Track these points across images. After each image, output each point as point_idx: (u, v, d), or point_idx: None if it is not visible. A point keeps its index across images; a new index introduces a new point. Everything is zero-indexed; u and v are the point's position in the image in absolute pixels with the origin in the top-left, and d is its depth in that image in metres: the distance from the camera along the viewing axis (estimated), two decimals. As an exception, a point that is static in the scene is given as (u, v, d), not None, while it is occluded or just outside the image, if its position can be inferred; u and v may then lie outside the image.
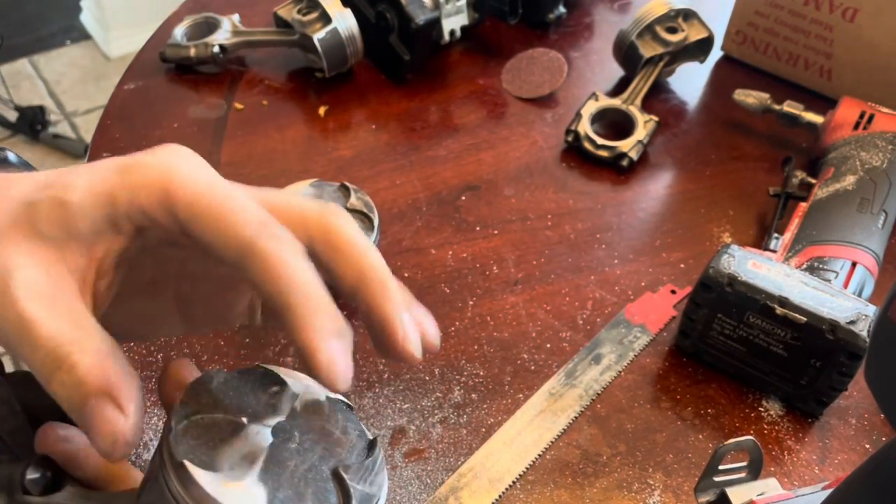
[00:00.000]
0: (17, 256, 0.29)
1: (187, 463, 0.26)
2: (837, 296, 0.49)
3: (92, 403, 0.27)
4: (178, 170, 0.31)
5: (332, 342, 0.27)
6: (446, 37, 0.76)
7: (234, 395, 0.29)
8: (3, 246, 0.29)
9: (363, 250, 0.31)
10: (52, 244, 0.29)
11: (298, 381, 0.31)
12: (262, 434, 0.29)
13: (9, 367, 0.49)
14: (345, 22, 0.72)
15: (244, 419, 0.29)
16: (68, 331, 0.28)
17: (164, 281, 0.35)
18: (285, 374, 0.31)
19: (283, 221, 0.30)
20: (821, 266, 0.54)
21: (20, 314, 0.27)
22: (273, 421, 0.29)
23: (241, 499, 0.27)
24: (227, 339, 0.56)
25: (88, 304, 0.30)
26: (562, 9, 0.83)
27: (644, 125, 0.69)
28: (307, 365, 0.27)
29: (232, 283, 0.35)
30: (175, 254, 0.33)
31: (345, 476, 0.29)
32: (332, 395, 0.31)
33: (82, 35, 2.29)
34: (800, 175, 0.63)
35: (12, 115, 1.97)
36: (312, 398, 0.31)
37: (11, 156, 0.42)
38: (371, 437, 0.31)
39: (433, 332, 0.32)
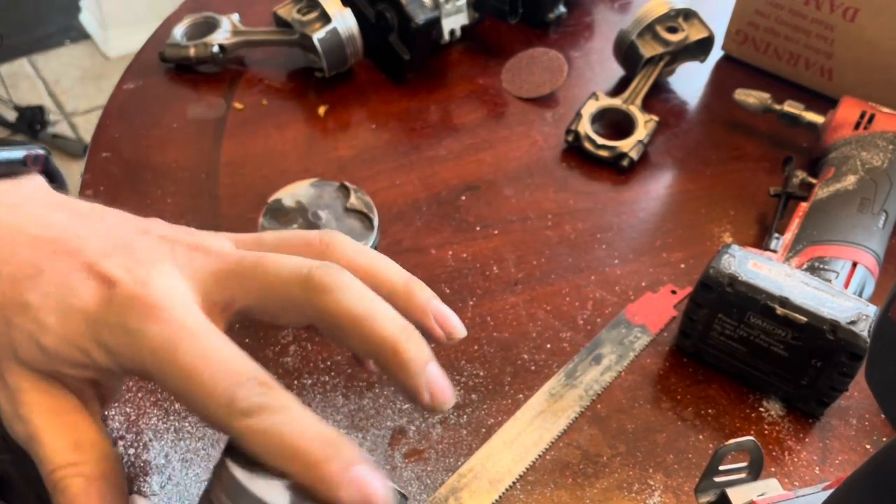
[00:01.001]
0: (20, 379, 0.31)
1: None
2: (838, 296, 0.49)
3: None
4: (143, 340, 0.30)
5: (351, 480, 0.27)
6: (446, 36, 0.76)
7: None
8: (8, 367, 0.31)
9: (367, 316, 0.31)
10: (43, 371, 0.31)
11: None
12: None
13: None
14: (344, 21, 0.72)
15: None
16: (66, 452, 0.30)
17: None
18: (256, 484, 0.28)
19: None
20: (821, 266, 0.54)
21: (29, 433, 0.30)
22: None
23: None
24: (227, 340, 0.55)
25: (95, 409, 0.32)
26: (562, 8, 0.83)
27: (644, 125, 0.69)
28: (422, 406, 0.31)
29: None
30: None
31: None
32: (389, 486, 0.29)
33: (81, 35, 2.29)
34: (800, 175, 0.63)
35: (11, 115, 1.97)
36: None
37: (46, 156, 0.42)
38: (403, 493, 0.29)
39: (458, 326, 0.34)
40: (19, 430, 0.31)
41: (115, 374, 0.32)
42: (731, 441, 0.40)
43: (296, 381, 0.53)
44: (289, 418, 0.28)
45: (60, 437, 0.30)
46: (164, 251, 0.33)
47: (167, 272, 0.31)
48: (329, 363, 0.55)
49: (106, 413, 0.51)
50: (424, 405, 0.30)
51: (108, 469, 0.31)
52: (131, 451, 0.49)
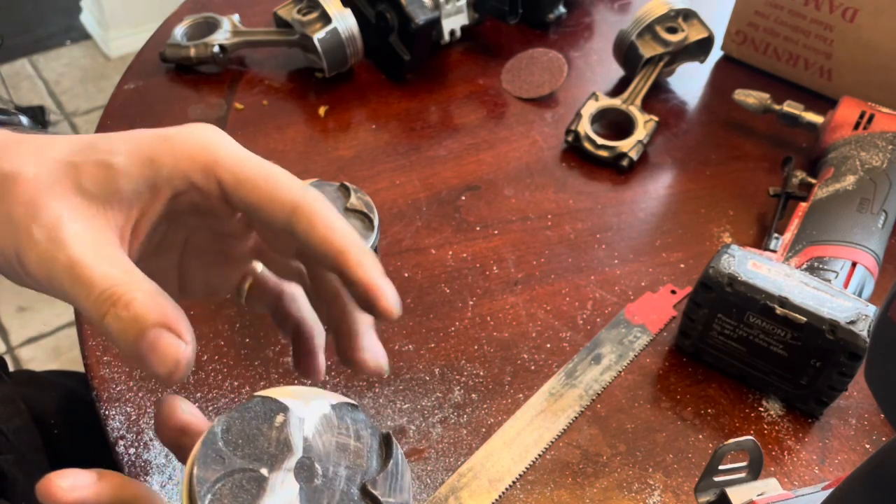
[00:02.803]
0: (63, 209, 0.30)
1: None
2: (837, 296, 0.49)
3: (152, 334, 0.29)
4: (219, 140, 0.33)
5: (384, 278, 0.32)
6: (446, 37, 0.76)
7: (245, 443, 0.29)
8: (50, 199, 0.30)
9: (344, 226, 0.33)
10: (95, 201, 0.31)
11: (298, 400, 0.31)
12: (286, 482, 0.29)
13: (11, 367, 0.49)
14: (345, 22, 0.72)
15: (264, 471, 0.29)
16: (119, 273, 0.30)
17: (173, 247, 0.37)
18: (282, 394, 0.31)
19: (273, 192, 0.32)
20: (821, 266, 0.54)
21: (72, 258, 0.29)
22: (292, 461, 0.29)
23: None
24: (227, 340, 0.56)
25: (127, 251, 0.32)
26: (562, 9, 0.83)
27: (644, 125, 0.69)
28: (366, 298, 0.31)
29: (231, 258, 0.38)
30: (193, 222, 0.35)
31: (375, 493, 0.29)
32: (334, 401, 0.31)
33: (82, 35, 2.29)
34: (800, 175, 0.63)
35: (12, 115, 1.97)
36: (318, 414, 0.31)
37: (24, 120, 0.43)
38: (384, 433, 0.31)
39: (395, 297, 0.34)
40: (60, 258, 0.29)
41: (161, 198, 0.32)
42: (731, 441, 0.40)
43: (296, 381, 0.53)
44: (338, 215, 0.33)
45: (107, 262, 0.30)
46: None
47: (219, 130, 0.34)
48: (329, 363, 0.55)
49: (106, 412, 0.51)
50: (382, 309, 0.32)
51: (159, 289, 0.30)
52: (132, 450, 0.49)
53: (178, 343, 0.29)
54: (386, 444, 0.31)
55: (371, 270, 0.31)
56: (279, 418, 0.30)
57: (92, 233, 0.31)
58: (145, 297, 0.29)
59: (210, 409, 0.52)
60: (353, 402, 0.32)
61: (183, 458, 0.32)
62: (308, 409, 0.31)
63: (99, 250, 0.30)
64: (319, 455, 0.30)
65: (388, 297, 0.31)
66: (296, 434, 0.30)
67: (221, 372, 0.54)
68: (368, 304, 0.32)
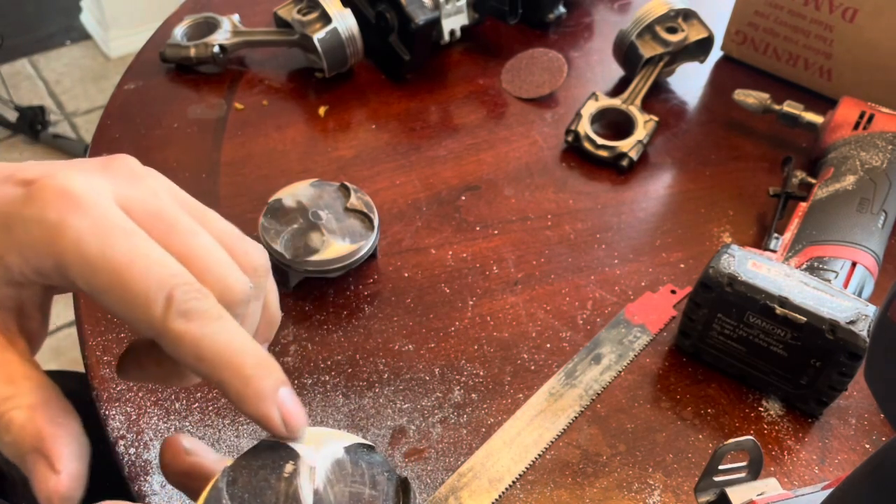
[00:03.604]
0: None
1: None
2: (837, 296, 0.49)
3: (29, 461, 0.27)
4: (65, 231, 0.27)
5: (276, 401, 0.28)
6: (446, 37, 0.76)
7: (251, 498, 0.27)
8: None
9: (216, 351, 0.28)
10: None
11: (309, 447, 0.29)
12: None
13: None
14: (345, 22, 0.72)
15: None
16: (0, 388, 0.28)
17: None
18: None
19: (132, 313, 0.27)
20: (821, 266, 0.54)
21: None
22: None
23: None
24: (228, 339, 0.56)
25: (21, 347, 0.29)
26: (562, 9, 0.83)
27: (644, 125, 0.69)
28: (265, 428, 0.28)
29: None
30: None
31: None
32: (349, 443, 0.30)
33: (82, 35, 2.29)
34: (800, 175, 0.63)
35: (12, 115, 1.97)
36: (330, 460, 0.29)
37: None
38: (400, 476, 0.29)
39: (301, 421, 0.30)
40: None
41: (38, 291, 0.29)
42: (731, 440, 0.40)
43: (296, 381, 0.53)
44: (226, 328, 0.28)
45: None
46: (90, 163, 0.30)
47: (89, 175, 0.29)
48: (329, 363, 0.55)
49: (106, 412, 0.51)
50: (278, 433, 0.29)
51: (48, 396, 0.28)
52: (132, 450, 0.49)
53: (48, 476, 0.27)
54: (403, 490, 0.29)
55: (253, 403, 0.28)
56: (288, 468, 0.28)
57: None
58: (23, 417, 0.27)
59: (210, 408, 0.52)
60: (368, 442, 0.30)
61: (193, 498, 0.30)
62: (319, 454, 0.29)
63: None
64: None
65: (275, 427, 0.28)
66: (305, 486, 0.28)
67: (221, 372, 0.54)
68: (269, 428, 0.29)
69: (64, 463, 0.27)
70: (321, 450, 0.29)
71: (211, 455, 0.31)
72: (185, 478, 0.31)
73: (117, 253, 0.27)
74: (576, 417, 0.52)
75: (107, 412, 0.51)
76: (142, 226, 0.29)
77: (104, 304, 0.28)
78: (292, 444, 0.29)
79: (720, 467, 0.42)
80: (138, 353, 0.33)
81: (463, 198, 0.67)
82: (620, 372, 0.55)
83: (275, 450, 0.29)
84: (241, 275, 0.31)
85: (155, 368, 0.32)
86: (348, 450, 0.29)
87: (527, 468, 0.50)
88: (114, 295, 0.27)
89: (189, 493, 0.31)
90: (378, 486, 0.29)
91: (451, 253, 0.62)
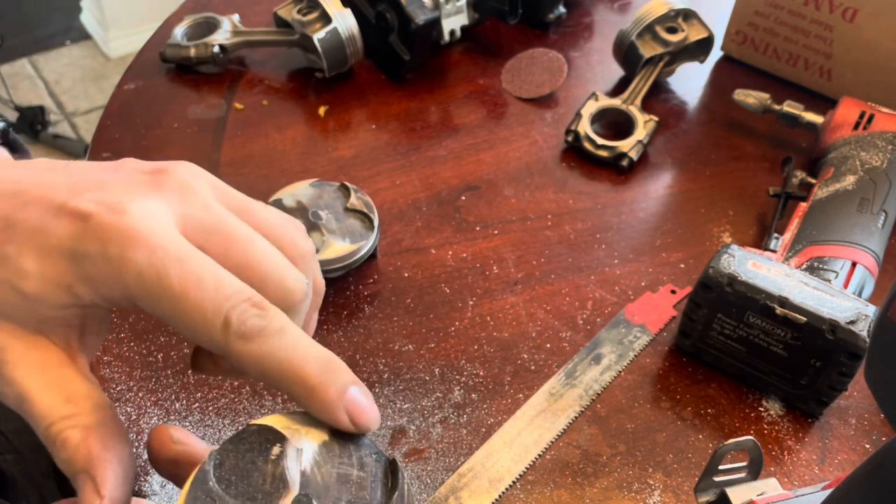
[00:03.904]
0: (3, 336, 0.30)
1: None
2: (837, 296, 0.49)
3: (79, 480, 0.29)
4: (127, 266, 0.28)
5: (344, 404, 0.29)
6: (446, 37, 0.76)
7: (238, 480, 0.28)
8: None
9: (280, 362, 0.29)
10: (26, 326, 0.30)
11: (296, 428, 0.29)
12: None
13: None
14: (345, 22, 0.72)
15: None
16: (60, 406, 0.29)
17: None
18: (279, 422, 0.29)
19: (197, 334, 0.29)
20: (821, 266, 0.54)
21: (17, 393, 0.29)
22: (288, 499, 0.27)
23: None
24: (227, 339, 0.56)
25: (82, 363, 0.31)
26: (562, 9, 0.83)
27: (644, 125, 0.69)
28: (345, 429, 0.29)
29: None
30: None
31: None
32: (336, 428, 0.30)
33: (82, 35, 2.29)
34: (800, 175, 0.63)
35: (12, 115, 1.97)
36: (317, 443, 0.29)
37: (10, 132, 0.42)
38: (389, 458, 0.29)
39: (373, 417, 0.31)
40: (8, 392, 0.30)
41: (102, 310, 0.31)
42: (731, 440, 0.40)
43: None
44: (287, 342, 0.29)
45: (51, 392, 0.29)
46: (140, 182, 0.31)
47: (142, 199, 0.30)
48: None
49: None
50: (348, 428, 0.30)
51: (104, 417, 0.30)
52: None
53: (92, 499, 0.28)
54: (392, 471, 0.29)
55: (323, 411, 0.29)
56: (275, 450, 0.28)
57: (34, 356, 0.30)
58: (77, 438, 0.29)
59: (210, 408, 0.52)
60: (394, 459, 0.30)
61: (181, 486, 0.30)
62: (306, 437, 0.29)
63: (43, 375, 0.30)
64: (318, 490, 0.28)
65: (344, 424, 0.29)
66: (292, 468, 0.28)
67: (221, 372, 0.54)
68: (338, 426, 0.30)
69: (108, 488, 0.28)
70: (308, 433, 0.29)
71: (200, 444, 0.32)
72: (174, 466, 0.31)
73: (173, 282, 0.28)
74: (576, 417, 0.52)
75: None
76: (200, 243, 0.30)
77: (174, 328, 0.29)
78: (278, 427, 0.29)
79: (720, 467, 0.42)
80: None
81: (463, 198, 0.67)
82: (620, 372, 0.55)
83: (262, 433, 0.29)
84: (298, 273, 0.32)
85: (229, 364, 0.33)
86: (335, 433, 0.29)
87: (527, 468, 0.50)
88: (178, 321, 0.29)
89: (178, 482, 0.31)
90: (366, 468, 0.29)
91: (451, 253, 0.62)
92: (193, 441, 0.32)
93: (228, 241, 0.31)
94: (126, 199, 0.29)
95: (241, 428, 0.29)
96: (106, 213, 0.29)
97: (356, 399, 0.29)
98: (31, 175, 0.31)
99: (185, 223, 0.30)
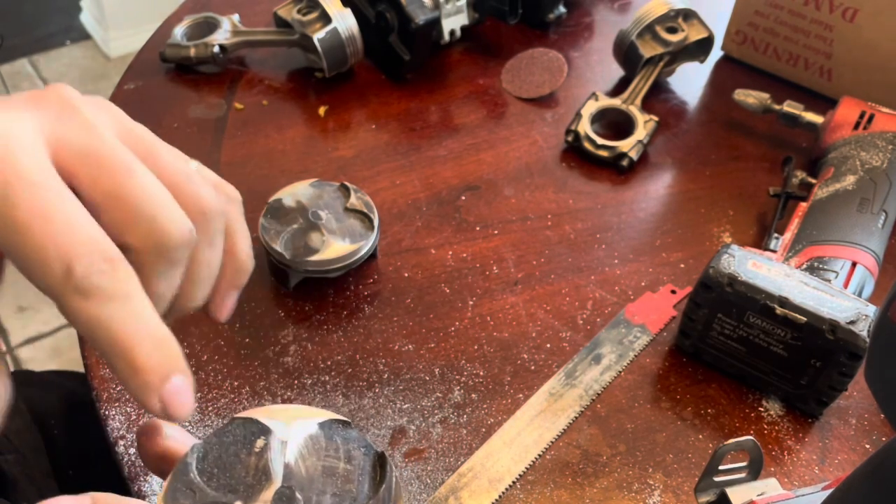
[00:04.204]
0: None
1: None
2: (837, 296, 0.49)
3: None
4: None
5: (161, 392, 0.27)
6: (446, 37, 0.76)
7: (220, 472, 0.27)
8: None
9: (117, 337, 0.27)
10: None
11: (282, 421, 0.29)
12: None
13: (11, 367, 0.49)
14: (345, 22, 0.72)
15: (239, 503, 0.26)
16: None
17: None
18: (265, 414, 0.29)
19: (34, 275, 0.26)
20: (821, 266, 0.54)
21: None
22: (270, 492, 0.27)
23: None
24: (227, 340, 0.56)
25: None
26: (562, 9, 0.83)
27: (644, 125, 0.69)
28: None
29: None
30: None
31: None
32: (323, 419, 0.29)
33: (82, 35, 2.29)
34: (800, 175, 0.63)
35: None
36: (303, 436, 0.28)
37: None
38: (378, 451, 0.29)
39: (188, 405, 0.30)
40: None
41: None
42: (731, 441, 0.40)
43: (296, 381, 0.53)
44: (126, 311, 0.26)
45: None
46: (18, 98, 0.28)
47: (8, 112, 0.27)
48: (329, 363, 0.55)
49: (106, 412, 0.51)
50: (157, 414, 0.28)
51: None
52: (132, 450, 0.49)
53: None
54: (380, 464, 0.28)
55: (138, 392, 0.27)
56: (259, 443, 0.28)
57: None
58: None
59: (210, 408, 0.52)
60: (344, 418, 0.30)
61: None
62: (292, 430, 0.28)
63: None
64: (302, 483, 0.27)
65: (154, 410, 0.28)
66: (276, 460, 0.28)
67: (221, 372, 0.54)
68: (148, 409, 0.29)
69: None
70: (294, 425, 0.28)
71: (189, 440, 0.31)
72: (162, 461, 0.31)
73: (20, 211, 0.25)
74: (576, 417, 0.52)
75: (107, 412, 0.51)
76: (69, 168, 0.27)
77: (13, 264, 0.26)
78: (265, 420, 0.28)
79: (720, 467, 0.42)
80: None
81: (463, 198, 0.67)
82: (620, 372, 0.55)
83: (247, 426, 0.28)
84: (181, 217, 0.29)
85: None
86: (322, 425, 0.29)
87: (527, 468, 0.50)
88: (16, 255, 0.26)
89: (165, 477, 0.31)
90: (353, 461, 0.28)
91: (451, 253, 0.62)
92: (184, 437, 0.31)
93: (101, 167, 0.27)
94: None
95: (227, 421, 0.29)
96: None
97: (176, 389, 0.27)
98: None
99: (58, 145, 0.27)
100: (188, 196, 0.30)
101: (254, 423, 0.29)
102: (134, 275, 0.27)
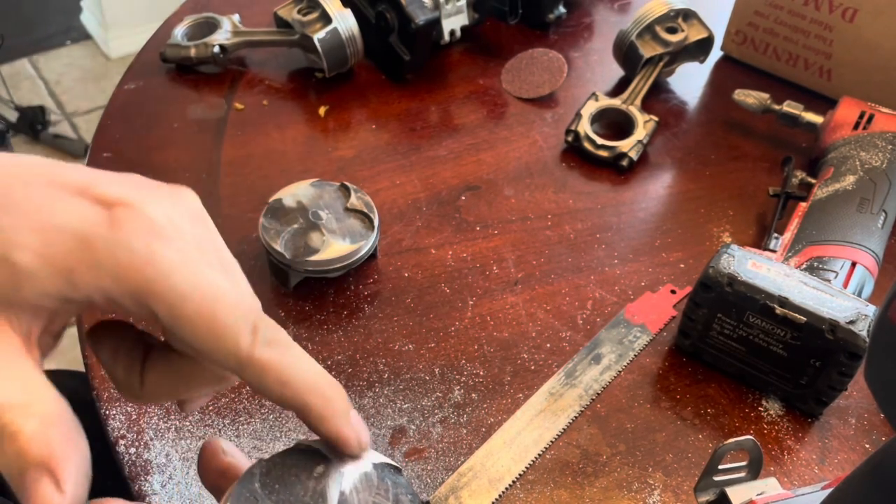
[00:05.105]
0: None
1: None
2: (837, 296, 0.49)
3: (31, 476, 0.25)
4: (155, 260, 0.27)
5: (351, 422, 0.30)
6: (446, 37, 0.76)
7: (281, 488, 0.29)
8: None
9: (302, 377, 0.29)
10: None
11: (340, 455, 0.31)
12: None
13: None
14: (345, 22, 0.72)
15: None
16: (15, 394, 0.26)
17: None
18: (325, 446, 0.31)
19: (216, 344, 0.28)
20: (820, 266, 0.54)
21: None
22: None
23: None
24: (228, 339, 0.56)
25: (36, 358, 0.28)
26: (561, 9, 0.83)
27: (644, 125, 0.69)
28: (341, 447, 0.30)
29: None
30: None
31: None
32: (378, 461, 0.31)
33: (82, 35, 2.29)
34: (799, 175, 0.63)
35: (13, 115, 1.97)
36: (359, 472, 0.30)
37: None
38: (423, 501, 0.31)
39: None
40: None
41: (77, 309, 0.28)
42: (731, 440, 0.41)
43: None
44: (304, 355, 0.29)
45: (6, 380, 0.26)
46: (158, 189, 0.30)
47: (166, 202, 0.29)
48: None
49: (106, 412, 0.51)
50: (352, 451, 0.30)
51: (64, 411, 0.27)
52: (132, 450, 0.49)
53: (51, 495, 0.25)
54: None
55: (334, 423, 0.29)
56: (319, 468, 0.30)
57: None
58: (34, 429, 0.25)
59: (210, 408, 0.52)
60: (396, 464, 0.32)
61: (220, 499, 0.31)
62: (348, 464, 0.30)
63: None
64: None
65: (352, 444, 0.30)
66: (333, 487, 0.29)
67: (222, 372, 0.54)
68: (335, 448, 0.31)
69: (69, 485, 0.25)
70: (350, 461, 0.31)
71: (245, 460, 0.32)
72: (221, 478, 0.32)
73: (206, 284, 0.27)
74: (576, 417, 0.52)
75: (107, 412, 0.51)
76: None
77: (182, 335, 0.27)
78: (325, 450, 0.30)
79: (720, 467, 0.42)
80: (135, 368, 0.31)
81: (463, 198, 0.67)
82: (620, 372, 0.55)
83: (308, 453, 0.30)
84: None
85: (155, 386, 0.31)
86: (377, 466, 0.31)
87: (527, 468, 0.50)
88: (200, 325, 0.27)
89: (218, 494, 0.32)
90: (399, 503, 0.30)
91: (451, 253, 0.62)
92: (242, 456, 0.33)
93: (228, 269, 0.30)
94: (151, 198, 0.28)
95: (256, 443, 0.31)
96: (134, 207, 0.27)
97: (357, 419, 0.30)
98: (32, 161, 0.29)
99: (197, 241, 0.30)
100: None
101: (315, 452, 0.30)
102: None
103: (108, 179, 0.28)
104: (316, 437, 0.31)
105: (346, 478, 0.30)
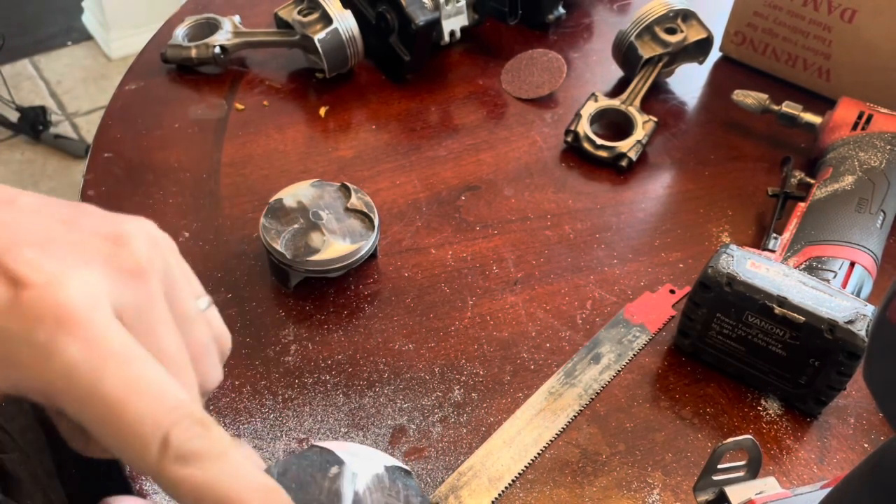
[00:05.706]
0: None
1: None
2: (836, 295, 0.49)
3: None
4: (55, 356, 0.24)
5: None
6: (446, 37, 0.76)
7: (297, 488, 0.30)
8: None
9: (215, 488, 0.26)
10: None
11: (355, 457, 0.32)
12: None
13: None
14: (345, 23, 0.73)
15: None
16: None
17: None
18: (341, 448, 0.32)
19: (126, 450, 0.25)
20: (819, 266, 0.54)
21: None
22: None
23: None
24: (228, 339, 0.56)
25: None
26: (561, 10, 0.83)
27: (643, 125, 0.70)
28: None
29: None
30: None
31: None
32: (389, 464, 0.32)
33: (83, 36, 2.29)
34: (798, 175, 0.63)
35: (14, 116, 1.97)
36: (372, 473, 0.31)
37: None
38: (432, 503, 0.32)
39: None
40: None
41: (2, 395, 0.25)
42: (730, 440, 0.41)
43: (297, 380, 0.54)
44: (228, 468, 0.25)
45: None
46: (92, 249, 0.27)
47: (88, 272, 0.25)
48: (329, 362, 0.55)
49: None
50: None
51: None
52: (133, 449, 0.49)
53: None
54: None
55: None
56: (333, 470, 0.31)
57: None
58: None
59: (210, 408, 0.52)
60: (406, 467, 0.33)
61: None
62: (362, 466, 0.31)
63: None
64: None
65: None
66: (347, 487, 0.30)
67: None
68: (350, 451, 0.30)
69: None
70: (364, 462, 0.31)
71: (262, 463, 0.32)
72: None
73: (109, 386, 0.24)
74: (575, 417, 0.52)
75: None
76: (130, 327, 0.26)
77: (94, 435, 0.25)
78: (338, 452, 0.31)
79: (719, 466, 0.42)
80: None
81: (463, 198, 0.67)
82: (620, 371, 0.55)
83: (323, 454, 0.31)
84: (219, 365, 0.31)
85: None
86: (388, 468, 0.32)
87: (526, 467, 0.50)
88: (105, 431, 0.24)
89: None
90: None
91: (451, 253, 0.62)
92: (259, 459, 0.32)
93: (149, 334, 0.27)
94: (69, 270, 0.25)
95: (259, 444, 0.31)
96: (41, 284, 0.24)
97: None
98: None
99: (124, 308, 0.26)
100: (221, 338, 0.32)
101: (330, 453, 0.31)
102: (225, 432, 0.26)
103: (28, 245, 0.25)
104: (331, 440, 0.31)
105: (360, 479, 0.31)
